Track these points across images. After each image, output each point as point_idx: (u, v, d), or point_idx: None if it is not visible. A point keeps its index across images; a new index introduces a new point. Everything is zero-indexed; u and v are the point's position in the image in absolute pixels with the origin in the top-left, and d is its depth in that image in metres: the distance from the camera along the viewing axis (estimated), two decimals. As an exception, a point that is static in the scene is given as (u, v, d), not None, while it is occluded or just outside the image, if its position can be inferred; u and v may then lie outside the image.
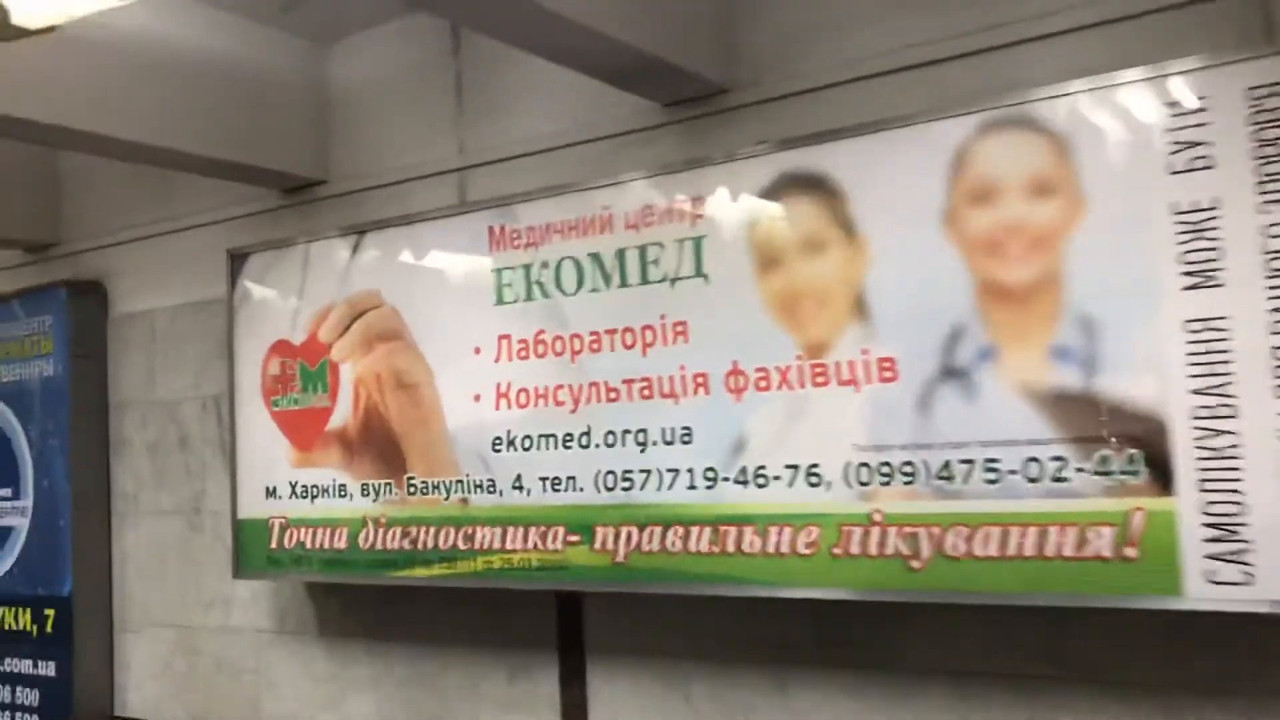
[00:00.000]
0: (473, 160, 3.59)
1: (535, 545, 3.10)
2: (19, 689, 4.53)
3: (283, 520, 3.64)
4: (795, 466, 2.70)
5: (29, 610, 4.52)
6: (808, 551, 2.67)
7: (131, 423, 4.47)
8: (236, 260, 3.83)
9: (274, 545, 3.66)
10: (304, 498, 3.59)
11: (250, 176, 3.87)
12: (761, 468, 2.74)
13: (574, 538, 3.03)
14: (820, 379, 2.68)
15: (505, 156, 3.50)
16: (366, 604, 3.72)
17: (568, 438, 3.05)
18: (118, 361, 4.53)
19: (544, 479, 3.09)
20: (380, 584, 3.47)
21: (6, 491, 4.64)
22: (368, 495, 3.45)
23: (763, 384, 2.75)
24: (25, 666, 4.52)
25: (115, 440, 4.51)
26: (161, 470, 4.36)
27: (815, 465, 2.67)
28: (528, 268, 3.16)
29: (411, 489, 3.35)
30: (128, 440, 4.47)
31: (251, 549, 3.73)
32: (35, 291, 4.63)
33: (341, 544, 3.50)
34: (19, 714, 4.52)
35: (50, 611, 4.45)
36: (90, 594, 4.43)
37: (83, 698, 4.37)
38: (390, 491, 3.41)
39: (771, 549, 2.72)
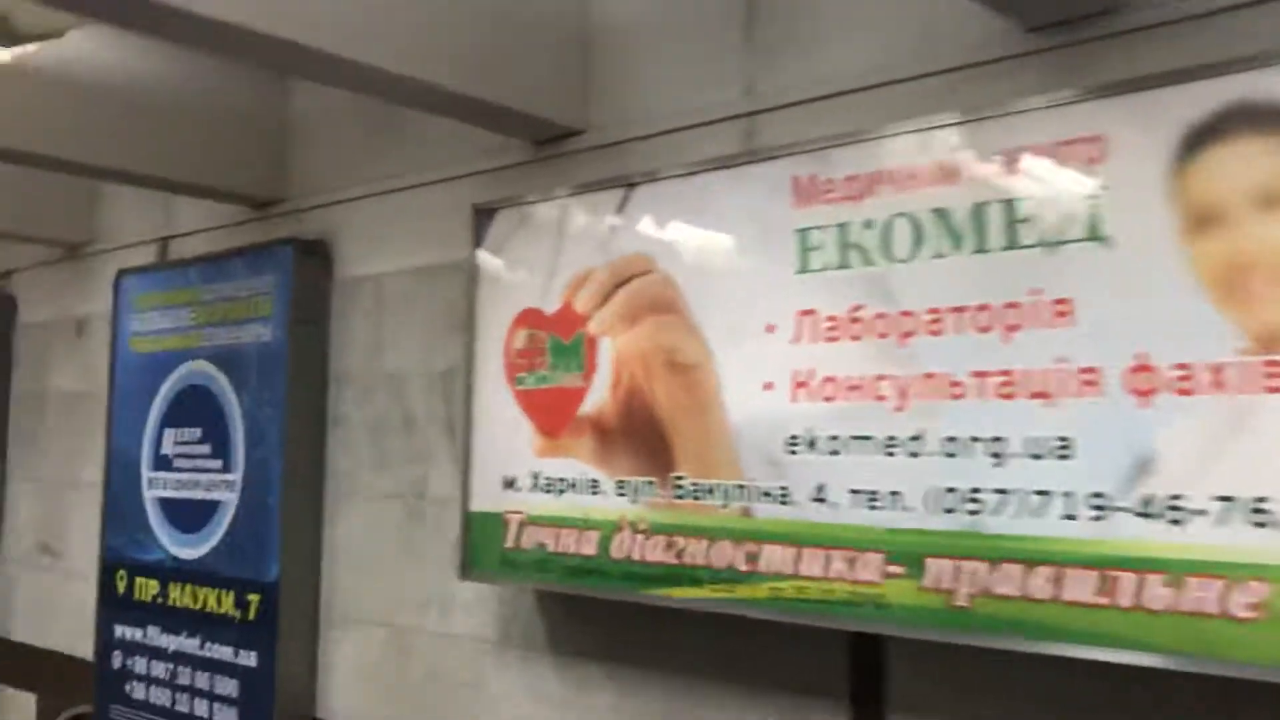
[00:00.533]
0: (765, 103, 2.99)
1: (840, 574, 2.48)
2: (217, 677, 4.19)
3: (521, 516, 3.14)
4: (1230, 499, 1.99)
5: (232, 594, 4.18)
6: (1248, 615, 1.96)
7: (351, 397, 4.06)
8: (482, 217, 3.35)
9: (510, 544, 3.16)
10: (548, 491, 3.08)
11: (500, 122, 3.39)
12: (1178, 497, 2.05)
13: (896, 569, 2.39)
14: (1275, 382, 1.97)
15: (809, 97, 2.89)
16: (610, 620, 3.18)
17: (891, 442, 2.43)
18: (340, 329, 4.14)
19: (856, 492, 2.47)
20: (633, 601, 2.91)
21: (217, 463, 4.32)
22: (624, 494, 2.91)
23: (1185, 385, 2.06)
24: (225, 653, 4.17)
25: (333, 415, 4.12)
26: (382, 451, 3.94)
27: (1263, 499, 1.96)
28: (844, 227, 2.55)
29: (679, 491, 2.79)
30: (346, 416, 4.07)
31: (483, 547, 3.24)
32: (258, 249, 4.29)
33: (590, 549, 2.96)
34: (216, 704, 4.18)
35: (254, 597, 4.09)
36: (298, 582, 4.04)
37: (284, 695, 3.98)
38: (652, 492, 2.85)
39: (1189, 607, 2.02)
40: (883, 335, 2.46)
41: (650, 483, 2.85)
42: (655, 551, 2.83)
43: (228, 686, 4.15)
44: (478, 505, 3.27)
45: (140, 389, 4.68)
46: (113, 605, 4.70)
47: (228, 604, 4.19)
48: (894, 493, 2.41)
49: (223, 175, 4.29)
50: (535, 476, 3.11)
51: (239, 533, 4.19)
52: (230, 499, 4.23)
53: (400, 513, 3.85)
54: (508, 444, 3.20)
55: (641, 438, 2.88)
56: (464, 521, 3.30)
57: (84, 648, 5.07)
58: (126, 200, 5.15)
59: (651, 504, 2.85)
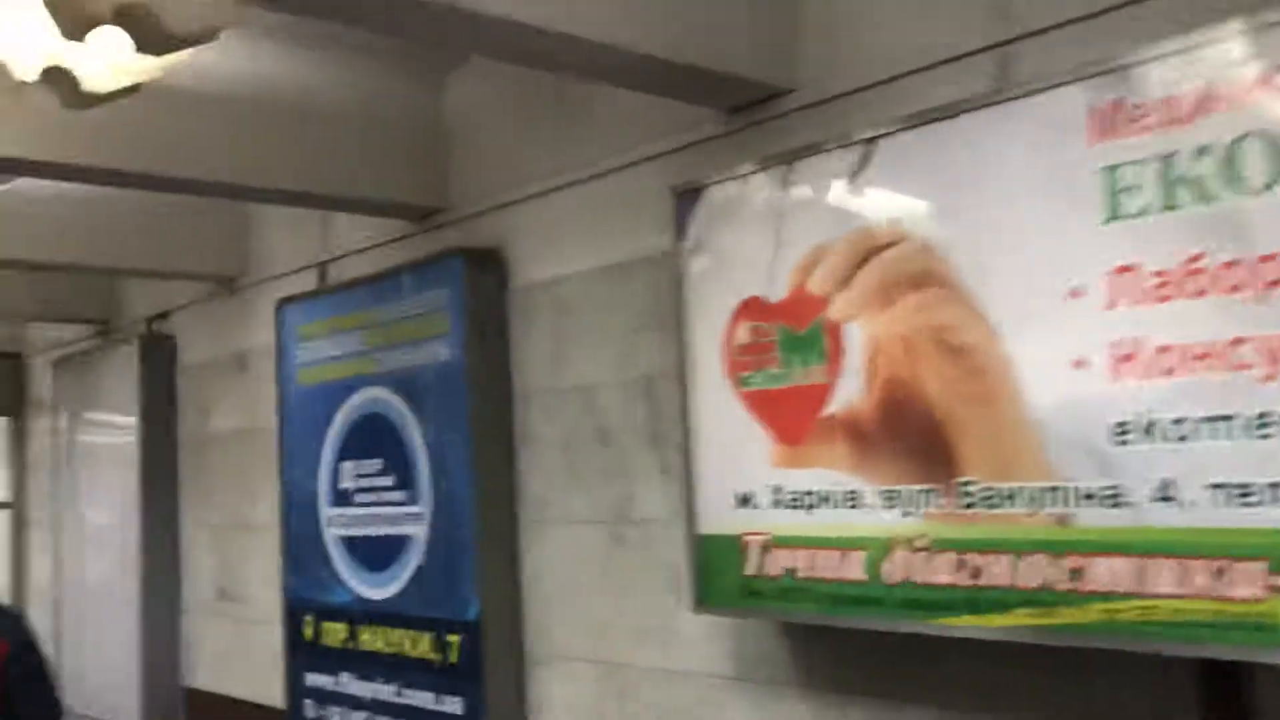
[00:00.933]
0: (1021, 28, 2.51)
1: (1203, 590, 1.98)
2: (421, 726, 3.88)
3: (764, 538, 2.71)
4: None
5: (429, 636, 3.86)
6: None
7: (538, 414, 3.70)
8: (683, 200, 2.94)
9: (751, 570, 2.74)
10: (796, 507, 2.64)
11: (691, 88, 2.98)
12: None
13: (1285, 581, 1.89)
14: None
15: (1084, 14, 2.40)
16: (875, 652, 2.72)
17: (1263, 420, 1.92)
18: (520, 341, 3.79)
19: (1219, 486, 1.97)
20: (913, 632, 2.46)
21: (401, 495, 4.01)
22: (894, 506, 2.45)
23: None
24: (427, 700, 3.86)
25: (519, 435, 3.77)
26: (576, 471, 3.57)
27: None
28: (1167, 160, 2.05)
29: (968, 499, 2.32)
30: (535, 435, 3.72)
31: (718, 574, 2.82)
32: (426, 264, 3.97)
33: (856, 573, 2.52)
34: (422, 755, 3.87)
35: (454, 638, 3.76)
36: (500, 619, 3.70)
37: (496, 744, 3.65)
38: (931, 501, 2.39)
39: None
40: (1236, 288, 1.96)
41: (928, 491, 2.39)
42: (942, 572, 2.36)
43: (432, 737, 3.83)
44: (707, 527, 2.85)
45: (312, 422, 4.42)
46: (301, 651, 4.45)
47: (424, 646, 3.87)
48: (1275, 485, 1.90)
49: (381, 187, 3.99)
50: (776, 491, 2.68)
51: (431, 569, 3.87)
52: (418, 533, 3.92)
53: (603, 538, 3.47)
54: (738, 455, 2.77)
55: (911, 437, 2.43)
56: (692, 547, 2.89)
57: (272, 695, 4.85)
58: (280, 227, 4.92)
59: (932, 516, 2.39)
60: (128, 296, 6.11)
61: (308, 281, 4.71)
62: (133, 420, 5.63)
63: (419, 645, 3.89)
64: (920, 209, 2.44)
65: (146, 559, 5.53)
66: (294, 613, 4.48)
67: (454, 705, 3.75)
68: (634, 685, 3.35)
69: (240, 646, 5.16)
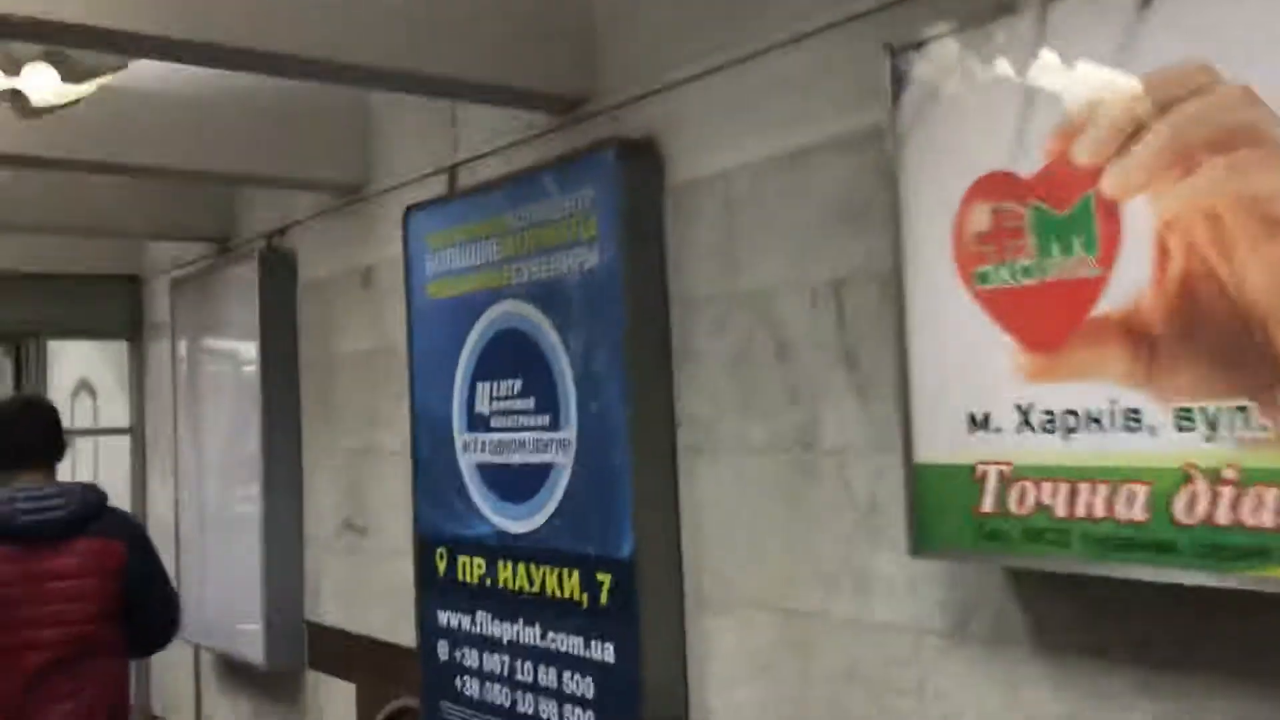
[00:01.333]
0: None
1: None
2: (567, 674, 3.51)
3: (1005, 468, 2.22)
4: None
5: (576, 574, 3.47)
6: None
7: (702, 326, 3.25)
8: (899, 59, 2.43)
9: (989, 507, 2.25)
10: (1049, 430, 2.14)
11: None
12: None
13: None
14: None
15: None
16: (1149, 608, 2.22)
17: None
18: (680, 245, 3.33)
19: None
20: (1220, 587, 1.95)
21: (543, 419, 3.61)
22: (1191, 428, 1.94)
23: None
24: (574, 645, 3.47)
25: (680, 351, 3.33)
26: (749, 391, 3.11)
27: None
28: None
29: (1301, 418, 1.80)
30: (698, 351, 3.27)
31: (943, 512, 2.34)
32: (572, 160, 3.53)
33: (1137, 513, 2.01)
34: (568, 705, 3.50)
35: (604, 578, 3.36)
36: (657, 557, 3.28)
37: (653, 697, 3.25)
38: (1244, 422, 1.87)
39: None
40: None
41: (1240, 409, 1.88)
42: (1259, 512, 1.85)
43: (581, 685, 3.45)
44: (928, 455, 2.37)
45: (444, 340, 4.04)
46: (433, 588, 4.11)
47: (572, 586, 3.48)
48: None
49: (520, 73, 3.53)
50: (1024, 410, 2.18)
51: (578, 501, 3.47)
52: (564, 461, 3.51)
53: (782, 468, 3.01)
54: (971, 368, 2.28)
55: (1216, 340, 1.91)
56: (909, 479, 2.41)
57: (402, 634, 4.55)
58: (406, 130, 4.53)
59: (1245, 441, 1.87)
60: (246, 211, 5.82)
61: (437, 188, 4.31)
62: (253, 342, 5.35)
63: (566, 585, 3.50)
64: (1235, 43, 1.89)
65: (268, 488, 5.28)
66: (425, 546, 4.14)
67: (604, 651, 3.36)
68: (819, 638, 2.91)
69: (366, 580, 4.87)
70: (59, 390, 7.60)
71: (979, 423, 2.26)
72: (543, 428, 3.60)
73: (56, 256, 6.58)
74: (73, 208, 5.43)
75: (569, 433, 3.49)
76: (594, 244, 3.40)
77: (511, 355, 3.74)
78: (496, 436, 3.79)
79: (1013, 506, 2.20)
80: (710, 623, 3.23)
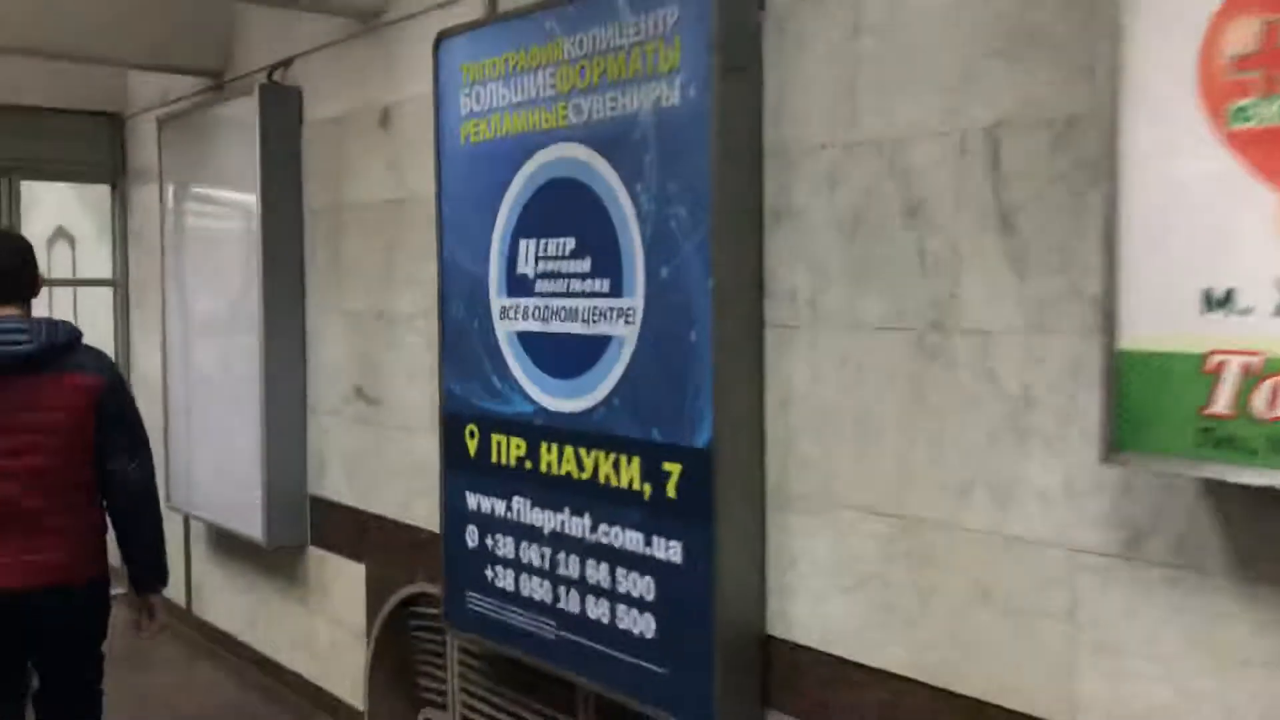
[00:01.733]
0: None
1: None
2: (621, 571, 3.09)
3: (1252, 359, 1.75)
4: None
5: (636, 461, 3.02)
6: None
7: (808, 180, 2.73)
8: None
9: (1221, 409, 1.79)
10: (1328, 315, 1.67)
11: None
12: None
13: None
14: None
15: None
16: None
17: None
18: (781, 81, 2.79)
19: None
20: None
21: (601, 284, 3.11)
22: None
23: None
24: (632, 541, 3.05)
25: (774, 209, 2.82)
26: (865, 258, 2.62)
27: None
28: None
29: None
30: (798, 208, 2.76)
31: (1156, 409, 1.87)
32: (649, -28, 2.95)
33: None
34: (622, 606, 3.09)
35: (673, 467, 2.92)
36: (740, 448, 2.84)
37: (726, 603, 2.83)
38: None
39: None
40: None
41: None
42: None
43: (639, 585, 3.03)
44: (1138, 340, 1.89)
45: (481, 189, 3.51)
46: (462, 469, 3.67)
47: (631, 475, 3.04)
48: None
49: None
50: (1286, 286, 1.70)
51: (643, 380, 3.00)
52: (627, 334, 3.03)
53: (904, 351, 2.54)
54: (1211, 231, 1.79)
55: None
56: (1111, 368, 1.93)
57: (418, 514, 4.15)
58: (435, -58, 3.92)
59: None
60: (244, 41, 5.19)
61: (472, 12, 3.72)
62: (252, 190, 4.79)
63: (625, 473, 3.05)
64: None
65: (269, 351, 4.79)
66: (453, 421, 3.68)
67: (670, 551, 2.93)
68: (943, 552, 2.48)
69: (377, 455, 4.43)
70: (34, 239, 6.99)
71: (1218, 301, 1.77)
72: (600, 294, 3.11)
73: (31, 88, 5.93)
74: (50, 28, 4.80)
75: (634, 301, 3.00)
76: (674, 77, 2.85)
77: (564, 209, 3.22)
78: (543, 302, 3.29)
79: (1259, 409, 1.74)
80: (796, 523, 2.80)
